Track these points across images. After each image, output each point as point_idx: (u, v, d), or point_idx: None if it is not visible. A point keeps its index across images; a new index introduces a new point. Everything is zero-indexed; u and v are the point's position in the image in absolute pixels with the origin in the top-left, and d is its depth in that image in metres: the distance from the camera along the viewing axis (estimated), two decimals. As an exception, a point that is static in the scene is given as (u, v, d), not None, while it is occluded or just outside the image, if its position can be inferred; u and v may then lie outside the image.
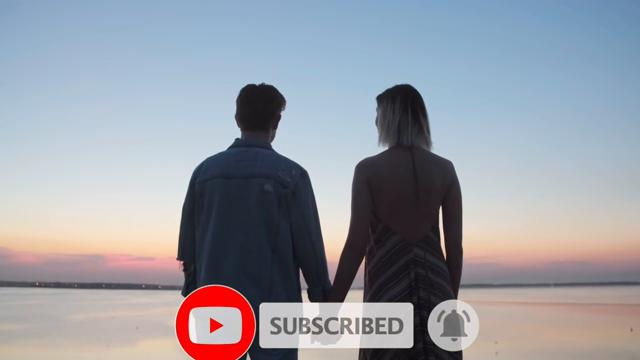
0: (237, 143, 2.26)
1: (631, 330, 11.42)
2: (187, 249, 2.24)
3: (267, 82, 2.32)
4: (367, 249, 2.21)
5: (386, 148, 2.28)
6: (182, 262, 2.29)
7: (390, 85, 2.35)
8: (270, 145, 2.27)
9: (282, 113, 2.33)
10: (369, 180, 2.17)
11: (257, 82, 2.30)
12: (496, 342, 10.40)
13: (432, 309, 2.06)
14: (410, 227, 2.15)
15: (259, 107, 2.24)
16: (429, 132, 2.26)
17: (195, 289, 2.14)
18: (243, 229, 2.09)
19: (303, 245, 2.14)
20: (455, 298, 2.19)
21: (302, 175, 2.18)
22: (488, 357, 8.65)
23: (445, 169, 2.24)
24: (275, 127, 2.33)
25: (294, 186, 2.13)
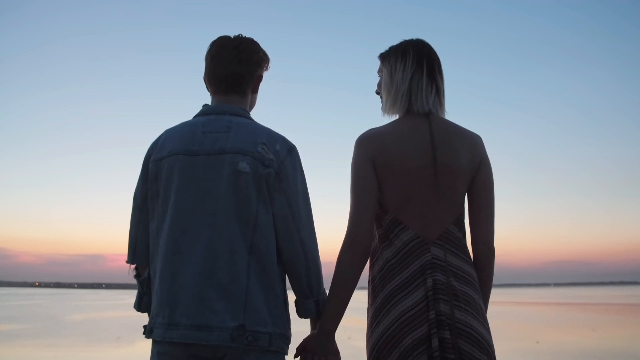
0: (206, 110, 1.79)
1: (537, 342, 11.07)
2: (140, 248, 1.78)
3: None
4: (371, 249, 1.77)
5: (394, 118, 1.84)
6: (133, 266, 1.82)
7: None
8: (249, 113, 1.81)
9: (265, 74, 1.87)
10: (373, 157, 1.72)
11: (232, 34, 1.85)
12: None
13: (457, 326, 1.62)
14: (426, 219, 1.72)
15: (234, 65, 1.77)
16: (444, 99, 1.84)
17: (151, 301, 1.71)
18: (210, 222, 1.62)
19: (290, 244, 1.67)
20: (486, 312, 1.75)
21: (289, 151, 1.72)
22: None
23: (473, 143, 1.78)
24: (256, 91, 1.86)
25: (278, 165, 1.66)
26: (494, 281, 1.84)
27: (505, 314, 22.22)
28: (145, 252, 1.76)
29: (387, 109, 1.84)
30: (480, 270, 1.77)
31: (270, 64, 1.87)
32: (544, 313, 24.14)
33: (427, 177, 1.71)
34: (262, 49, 1.84)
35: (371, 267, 1.79)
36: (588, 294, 65.36)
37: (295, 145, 1.76)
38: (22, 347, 10.61)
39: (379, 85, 1.90)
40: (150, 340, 1.68)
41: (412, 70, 1.78)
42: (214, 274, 1.60)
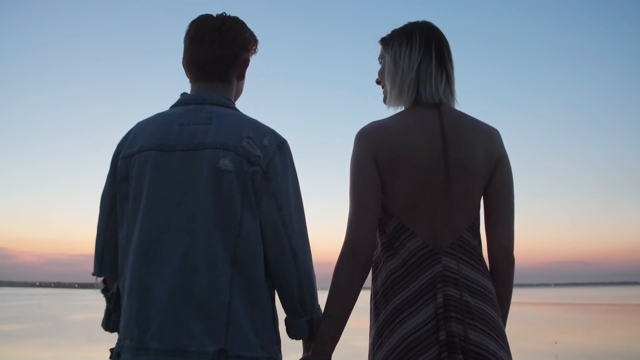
0: (184, 99, 1.57)
1: (555, 343, 11.11)
2: (108, 259, 1.57)
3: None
4: (373, 259, 1.57)
5: (399, 110, 1.65)
6: (100, 279, 1.62)
7: None
8: (233, 103, 1.60)
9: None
10: (375, 153, 1.52)
11: (216, 14, 1.63)
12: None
13: (471, 349, 1.41)
14: (436, 225, 1.52)
15: (217, 48, 1.56)
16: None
17: (120, 319, 1.49)
18: (187, 229, 1.41)
19: (280, 254, 1.46)
20: (504, 331, 1.53)
21: (279, 146, 1.50)
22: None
23: (490, 137, 1.58)
24: (242, 77, 1.65)
25: (266, 162, 1.45)
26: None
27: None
28: (114, 263, 1.55)
29: (391, 100, 1.64)
30: (498, 282, 1.57)
31: (258, 47, 1.67)
32: (545, 314, 24.14)
33: (437, 177, 1.51)
34: (248, 30, 1.63)
35: (373, 279, 1.59)
36: (589, 295, 65.59)
37: (290, 143, 1.56)
38: (23, 347, 10.70)
39: (380, 73, 1.70)
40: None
41: (419, 55, 1.59)
42: (191, 290, 1.38)
